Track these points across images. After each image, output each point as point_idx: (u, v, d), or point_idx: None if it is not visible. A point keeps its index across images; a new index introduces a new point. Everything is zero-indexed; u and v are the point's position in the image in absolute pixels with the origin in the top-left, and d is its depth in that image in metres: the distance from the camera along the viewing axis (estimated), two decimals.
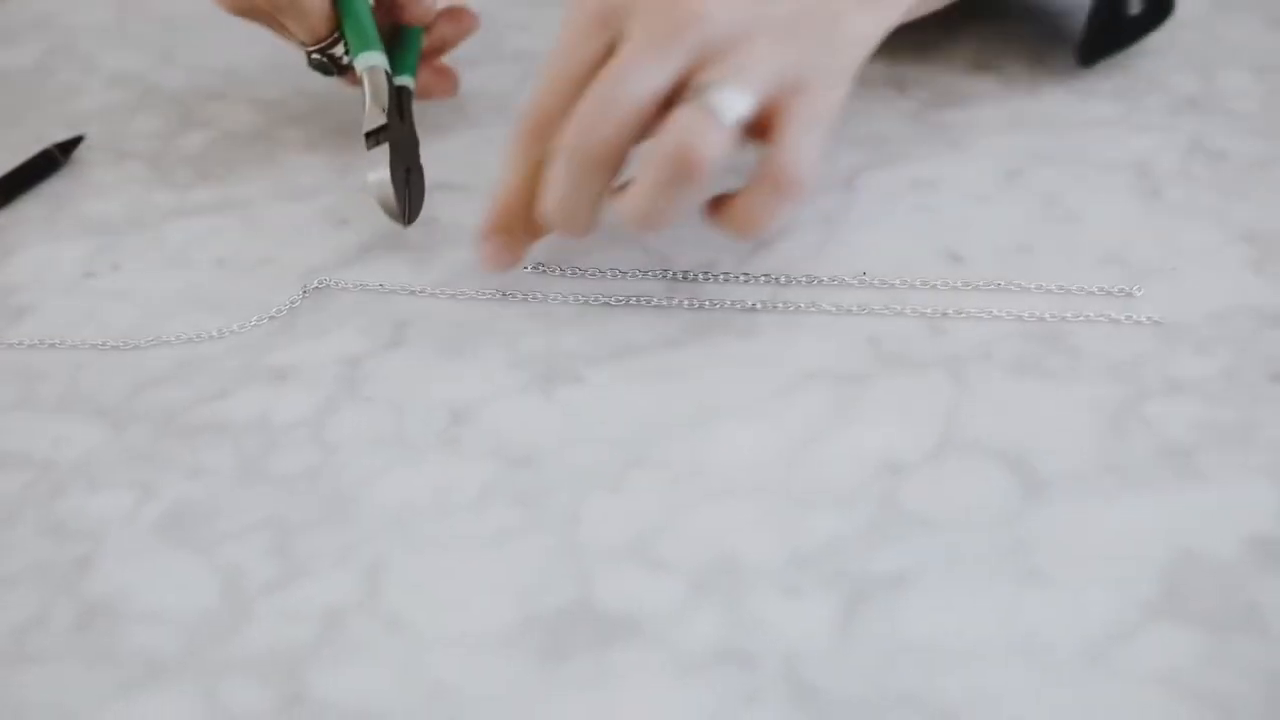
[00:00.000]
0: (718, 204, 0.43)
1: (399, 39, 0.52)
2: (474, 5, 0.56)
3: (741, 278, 0.46)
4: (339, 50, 0.50)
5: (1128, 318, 0.44)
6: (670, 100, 0.41)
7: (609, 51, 0.41)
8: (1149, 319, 0.44)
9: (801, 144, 0.41)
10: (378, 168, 0.46)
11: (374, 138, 0.47)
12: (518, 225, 0.44)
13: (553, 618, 0.36)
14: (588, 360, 0.43)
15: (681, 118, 0.40)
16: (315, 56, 0.50)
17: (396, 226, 0.48)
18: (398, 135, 0.47)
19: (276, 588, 0.37)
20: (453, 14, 0.55)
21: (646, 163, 0.40)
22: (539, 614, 0.36)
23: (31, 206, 0.52)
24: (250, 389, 0.43)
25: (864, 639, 0.35)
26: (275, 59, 0.58)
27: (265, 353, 0.44)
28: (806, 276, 0.46)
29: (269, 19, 0.49)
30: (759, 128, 0.41)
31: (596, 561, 0.37)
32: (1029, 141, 0.52)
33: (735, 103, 0.40)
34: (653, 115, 0.41)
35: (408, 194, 0.47)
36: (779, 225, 0.42)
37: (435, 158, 0.52)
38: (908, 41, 0.57)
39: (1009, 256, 0.47)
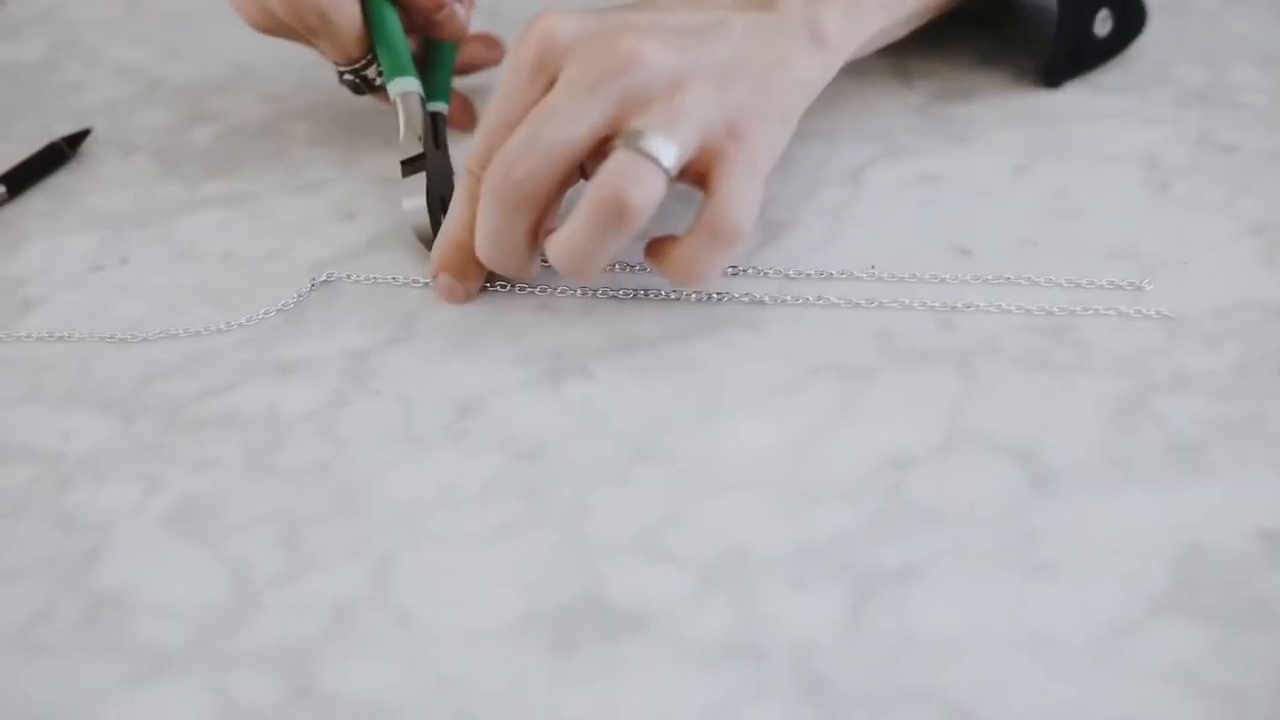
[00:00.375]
0: (657, 247, 0.42)
1: (431, 58, 0.51)
2: (483, 1, 0.56)
3: (749, 271, 0.46)
4: (371, 72, 0.49)
5: (1136, 312, 0.44)
6: (602, 144, 0.41)
7: (546, 92, 0.41)
8: (1157, 313, 0.44)
9: (738, 193, 0.41)
10: (413, 196, 0.46)
11: (409, 166, 0.47)
12: (466, 262, 0.44)
13: (560, 612, 0.36)
14: (595, 354, 0.43)
15: (615, 163, 0.39)
16: (348, 77, 0.50)
17: (404, 220, 0.48)
18: (433, 163, 0.47)
19: (284, 581, 0.37)
20: (486, 40, 0.54)
21: (580, 207, 0.40)
22: (546, 608, 0.36)
23: (39, 200, 0.52)
24: (258, 382, 0.43)
25: (872, 632, 0.35)
26: (282, 53, 0.58)
27: (273, 346, 0.44)
28: (814, 270, 0.46)
29: (300, 38, 0.49)
30: (695, 173, 0.41)
31: (604, 555, 0.37)
32: (1037, 135, 0.52)
33: (670, 149, 0.40)
34: (580, 158, 0.41)
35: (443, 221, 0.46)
36: (718, 273, 0.42)
37: None
38: (914, 36, 0.57)
39: (1017, 250, 0.47)
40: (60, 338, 0.45)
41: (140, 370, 0.44)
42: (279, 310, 0.46)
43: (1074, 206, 0.49)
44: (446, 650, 0.35)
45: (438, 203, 0.47)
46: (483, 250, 0.43)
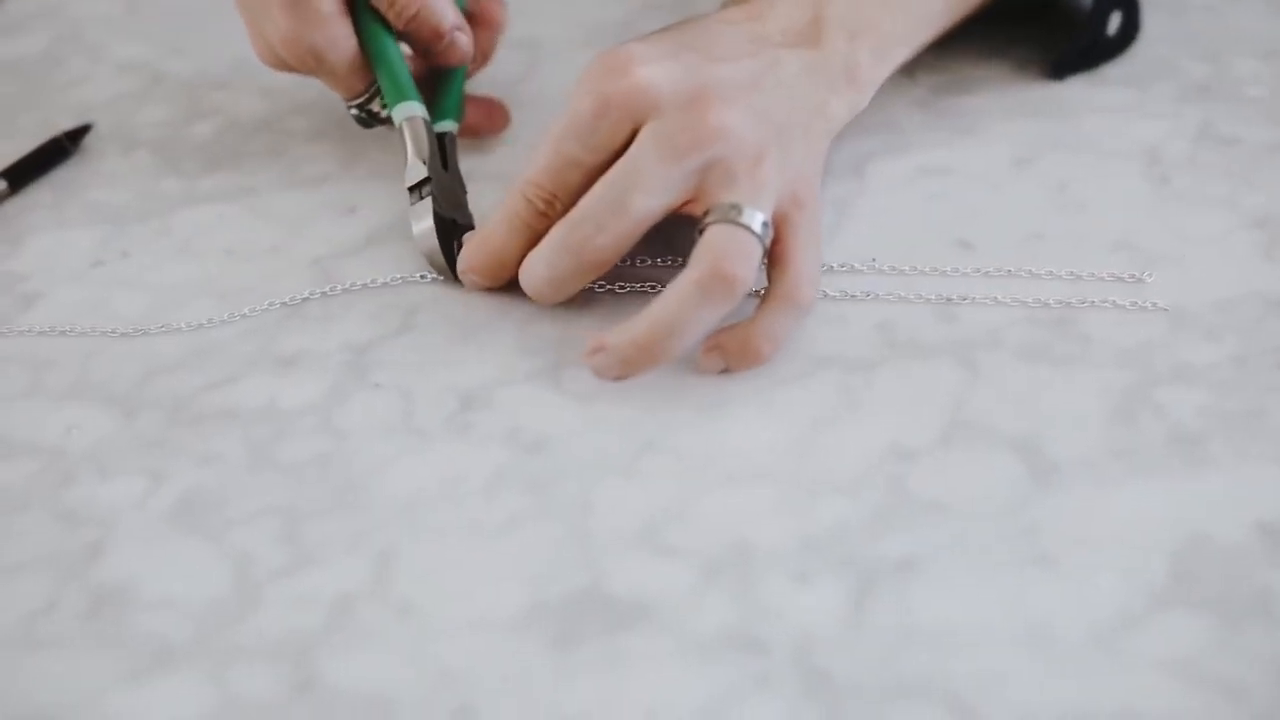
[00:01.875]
0: (719, 338, 0.41)
1: (440, 81, 0.50)
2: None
3: None
4: (376, 105, 0.49)
5: (1135, 304, 0.44)
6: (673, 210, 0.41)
7: (627, 142, 0.41)
8: (1156, 305, 0.44)
9: (809, 262, 0.42)
10: (421, 220, 0.46)
11: (417, 191, 0.46)
12: (499, 274, 0.44)
13: (563, 604, 0.36)
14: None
15: (717, 238, 0.40)
16: (354, 111, 0.49)
17: (406, 214, 0.48)
18: (440, 186, 0.47)
19: (286, 574, 0.37)
20: (489, 106, 0.53)
21: (681, 281, 0.40)
22: (549, 600, 0.36)
23: (40, 195, 0.52)
24: (259, 376, 0.43)
25: (873, 624, 0.35)
26: None
27: (274, 340, 0.44)
28: None
29: (311, 73, 0.49)
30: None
31: (607, 548, 0.37)
32: (1039, 128, 0.52)
33: (761, 220, 0.40)
34: (660, 219, 0.42)
35: (455, 245, 0.46)
36: (786, 344, 0.42)
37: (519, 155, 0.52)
38: None
39: (1019, 243, 0.47)
40: (62, 332, 0.45)
41: (142, 365, 0.44)
42: (280, 304, 0.46)
43: (1076, 200, 0.48)
44: (449, 643, 0.35)
45: (449, 226, 0.46)
46: (537, 287, 0.43)
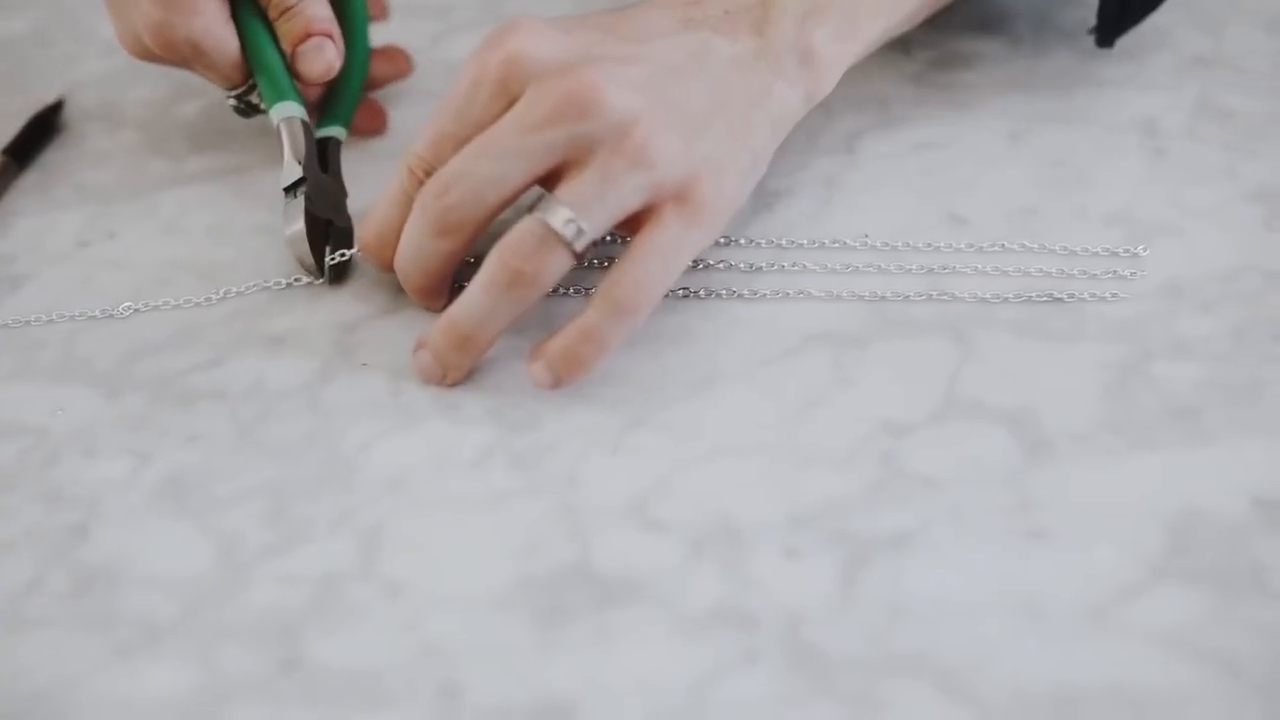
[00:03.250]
0: (543, 347, 0.39)
1: (336, 83, 0.49)
2: None
3: (742, 241, 0.46)
4: (255, 96, 0.47)
5: (1131, 276, 0.44)
6: (551, 174, 0.39)
7: (503, 113, 0.39)
8: (1153, 279, 0.43)
9: (650, 267, 0.39)
10: (293, 222, 0.45)
11: (291, 191, 0.45)
12: (384, 248, 0.42)
13: (550, 580, 0.36)
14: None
15: (521, 232, 0.39)
16: (231, 101, 0.48)
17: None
18: (316, 188, 0.45)
19: (273, 553, 0.37)
20: (389, 54, 0.52)
21: (483, 266, 0.39)
22: (537, 576, 0.36)
23: (26, 175, 0.51)
24: (246, 355, 0.43)
25: (865, 599, 0.35)
26: None
27: (261, 319, 0.44)
28: (808, 239, 0.46)
29: (180, 65, 0.47)
30: (630, 225, 0.40)
31: (595, 524, 0.37)
32: (1034, 102, 0.51)
33: (582, 233, 0.38)
34: (513, 197, 0.40)
35: (327, 248, 0.45)
36: (611, 353, 0.39)
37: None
38: None
39: (1013, 218, 0.46)
40: (48, 313, 0.45)
41: (128, 345, 0.44)
42: (268, 285, 0.45)
43: (1071, 174, 0.48)
44: (436, 620, 0.35)
45: (322, 228, 0.45)
46: (401, 261, 0.42)
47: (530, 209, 0.39)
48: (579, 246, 0.39)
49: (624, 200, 0.39)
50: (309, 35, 0.46)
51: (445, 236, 0.40)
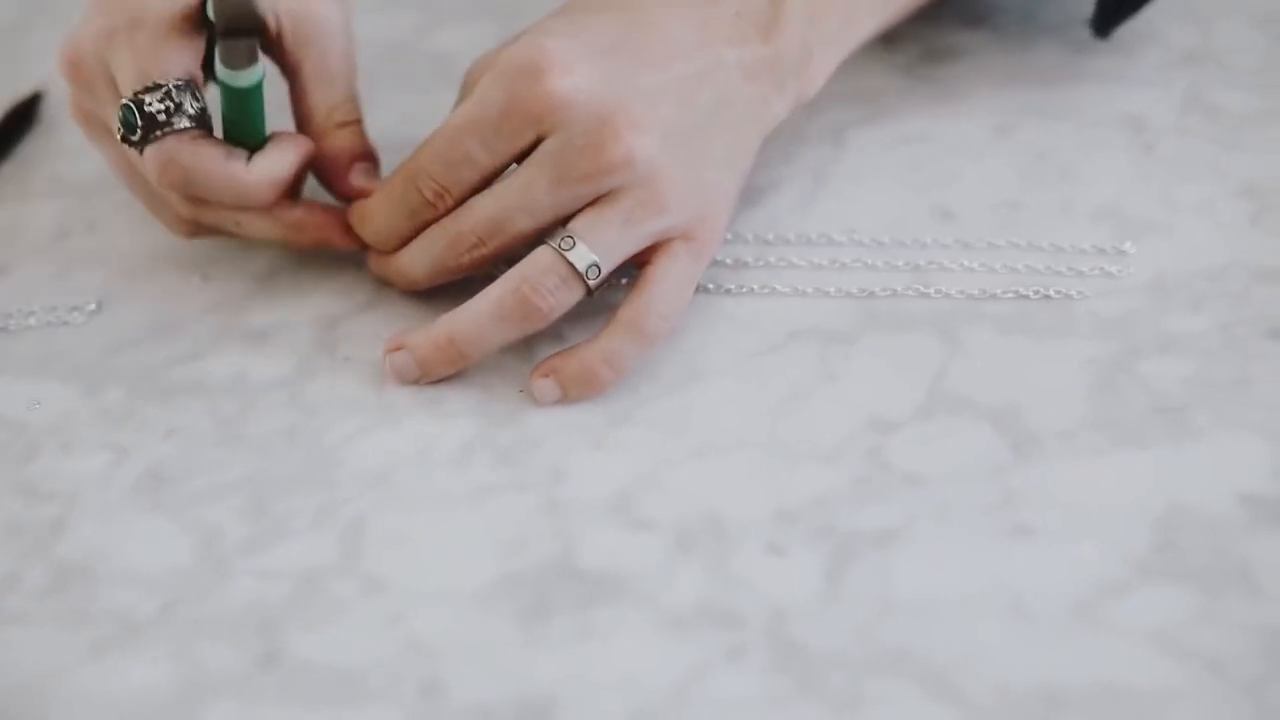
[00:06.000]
0: (555, 362, 0.40)
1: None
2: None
3: (728, 236, 0.45)
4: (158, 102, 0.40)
5: (1120, 271, 0.43)
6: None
7: (528, 147, 0.40)
8: (1140, 275, 0.43)
9: (669, 296, 0.40)
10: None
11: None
12: (381, 247, 0.42)
13: (535, 576, 0.35)
14: (571, 318, 0.42)
15: (537, 264, 0.39)
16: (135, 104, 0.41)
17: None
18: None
19: (253, 548, 0.36)
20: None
21: (492, 290, 0.40)
22: (521, 572, 0.35)
23: (4, 167, 0.51)
24: (227, 349, 0.42)
25: (850, 597, 0.34)
26: None
27: (243, 313, 0.44)
28: (794, 234, 0.45)
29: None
30: (637, 260, 0.41)
31: (579, 520, 0.37)
32: (1021, 96, 0.51)
33: (597, 269, 0.39)
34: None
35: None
36: (627, 372, 0.40)
37: (418, 115, 0.51)
38: None
39: (1000, 212, 0.46)
40: (27, 305, 0.44)
41: (107, 338, 0.43)
42: (250, 277, 0.45)
43: (1058, 168, 0.48)
44: (418, 616, 0.35)
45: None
46: (414, 279, 0.42)
47: (548, 240, 0.40)
48: (594, 284, 0.40)
49: (640, 243, 0.40)
50: (360, 157, 0.44)
51: (474, 270, 0.41)
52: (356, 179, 0.43)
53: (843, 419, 0.39)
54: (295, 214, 0.43)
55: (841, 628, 0.34)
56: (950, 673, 0.33)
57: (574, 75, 0.39)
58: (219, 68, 0.40)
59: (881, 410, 0.39)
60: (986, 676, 0.33)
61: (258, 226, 0.43)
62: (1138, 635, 0.33)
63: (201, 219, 0.43)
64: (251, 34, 0.40)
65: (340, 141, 0.43)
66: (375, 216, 0.42)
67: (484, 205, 0.40)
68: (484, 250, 0.41)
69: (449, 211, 0.41)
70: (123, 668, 0.34)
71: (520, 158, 0.40)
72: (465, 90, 0.41)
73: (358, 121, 0.44)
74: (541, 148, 0.40)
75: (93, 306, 0.44)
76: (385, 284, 0.43)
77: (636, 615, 0.34)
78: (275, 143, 0.42)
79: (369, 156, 0.44)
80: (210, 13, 0.40)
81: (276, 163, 0.41)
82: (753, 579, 0.35)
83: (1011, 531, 0.36)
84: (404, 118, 0.51)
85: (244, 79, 0.40)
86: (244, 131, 0.42)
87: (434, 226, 0.41)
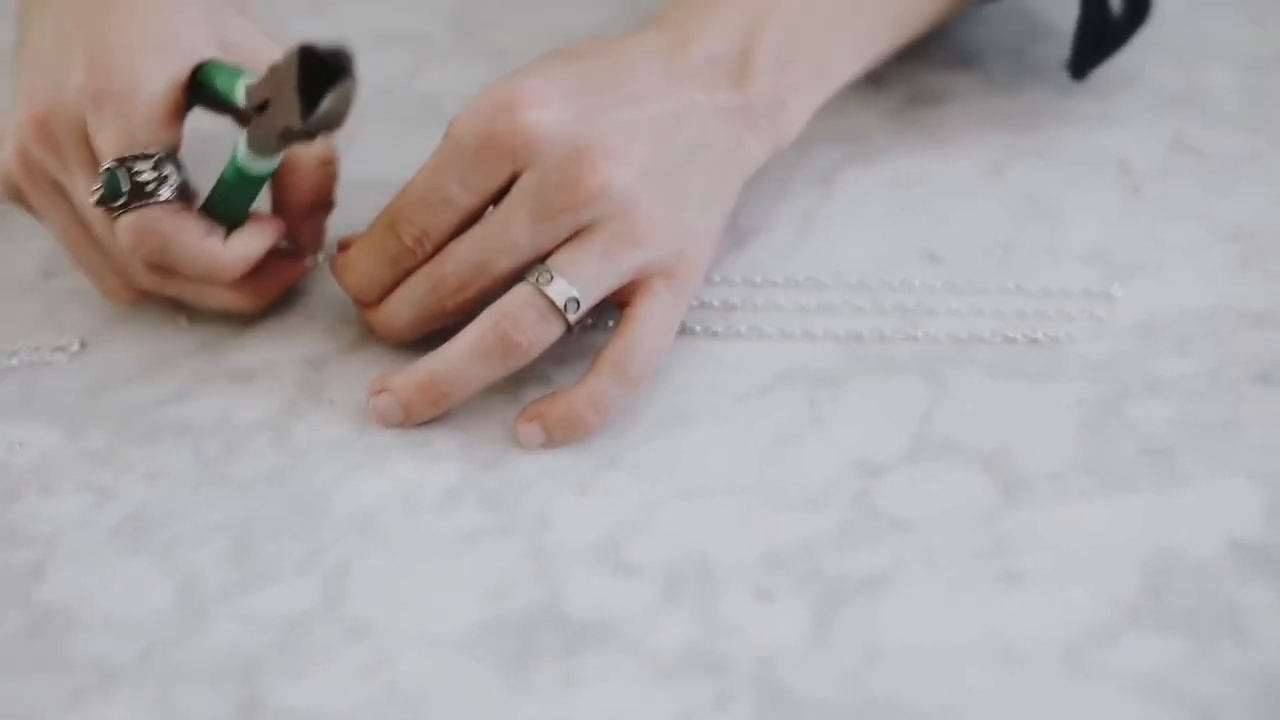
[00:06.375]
0: (540, 408, 0.40)
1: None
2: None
3: (716, 279, 0.45)
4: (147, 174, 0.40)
5: (1107, 315, 0.43)
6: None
7: (505, 183, 0.40)
8: (1127, 318, 0.43)
9: (652, 337, 0.40)
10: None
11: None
12: (360, 299, 0.42)
13: (520, 622, 0.35)
14: (556, 361, 0.42)
15: (515, 300, 0.39)
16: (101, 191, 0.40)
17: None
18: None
19: (235, 592, 0.36)
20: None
21: (469, 331, 0.39)
22: (506, 618, 0.35)
23: None
24: (212, 391, 0.42)
25: (837, 643, 0.34)
26: None
27: (227, 354, 0.43)
28: (782, 277, 0.45)
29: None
30: (617, 299, 0.41)
31: (565, 565, 0.36)
32: (1009, 139, 0.51)
33: (576, 304, 0.39)
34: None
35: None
36: (615, 417, 0.40)
37: (407, 155, 0.51)
38: None
39: (988, 254, 0.46)
40: (11, 345, 0.44)
41: (91, 378, 0.43)
42: (235, 318, 0.45)
43: (1046, 210, 0.48)
44: (402, 662, 0.34)
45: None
46: (398, 329, 0.41)
47: (527, 274, 0.39)
48: (572, 319, 0.40)
49: (620, 277, 0.40)
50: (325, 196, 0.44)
51: (458, 316, 0.41)
52: (314, 221, 0.44)
53: (830, 462, 0.39)
54: (257, 285, 0.43)
55: (829, 674, 0.33)
56: (939, 719, 0.32)
57: (549, 110, 0.40)
58: (241, 150, 0.40)
59: (869, 454, 0.39)
60: None
61: (218, 297, 0.43)
62: (1128, 682, 0.33)
63: (161, 289, 0.43)
64: (333, 129, 0.38)
65: (320, 179, 0.43)
66: (356, 267, 0.42)
67: (464, 248, 0.40)
68: (467, 294, 0.40)
69: (429, 258, 0.41)
70: (101, 716, 0.33)
71: (497, 199, 0.40)
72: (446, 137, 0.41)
73: (334, 161, 0.44)
74: (518, 185, 0.40)
75: (76, 347, 0.44)
76: (372, 336, 0.43)
77: (623, 662, 0.34)
78: (253, 223, 0.42)
79: (329, 204, 0.44)
80: (241, 99, 0.39)
81: (253, 242, 0.42)
82: (740, 624, 0.35)
83: (1000, 576, 0.36)
84: (392, 157, 0.51)
85: (265, 166, 0.41)
86: (232, 209, 0.42)
87: (415, 275, 0.41)
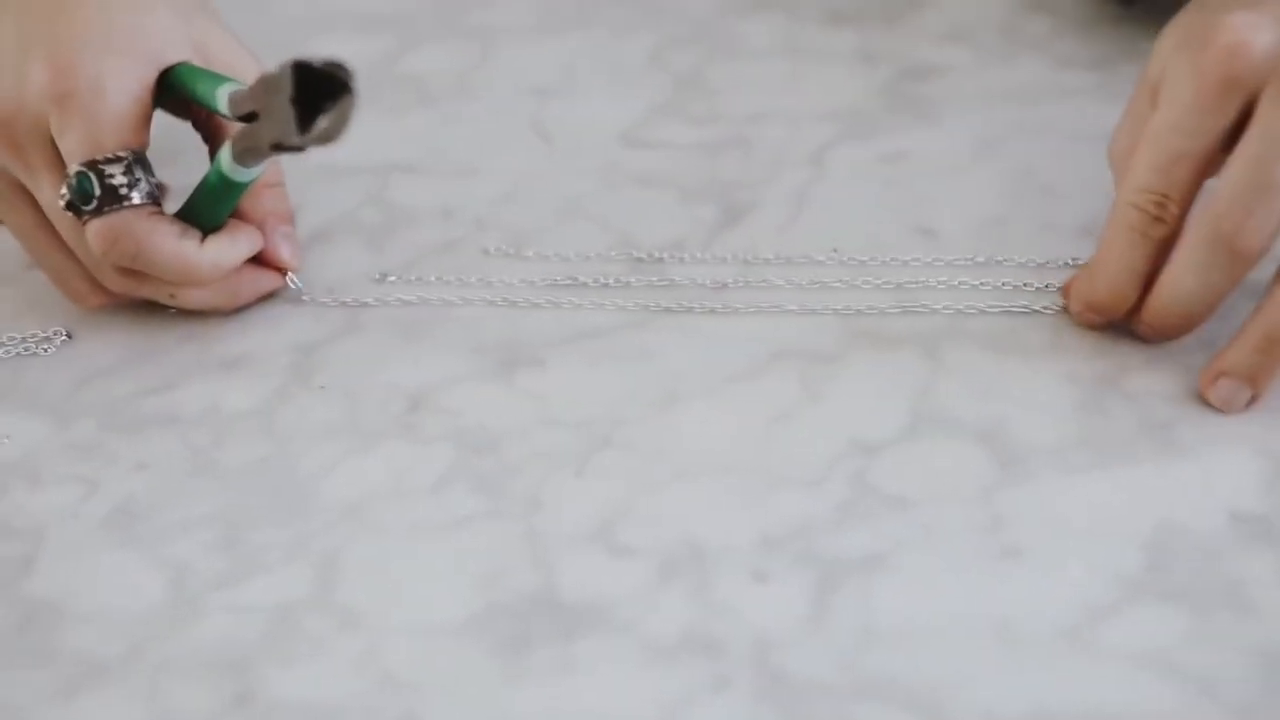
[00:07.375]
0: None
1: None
2: None
3: (709, 257, 0.45)
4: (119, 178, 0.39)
5: None
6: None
7: (1241, 120, 0.37)
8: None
9: None
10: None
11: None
12: (1121, 301, 0.40)
13: (515, 606, 0.35)
14: (549, 343, 0.42)
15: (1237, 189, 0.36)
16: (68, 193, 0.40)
17: (354, 214, 0.46)
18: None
19: (226, 583, 0.36)
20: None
21: (1187, 243, 0.37)
22: (500, 602, 0.35)
23: None
24: (200, 379, 0.42)
25: (835, 623, 0.34)
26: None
27: (215, 342, 0.43)
28: (775, 254, 0.45)
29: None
30: None
31: (559, 549, 0.36)
32: (1002, 113, 0.51)
33: None
34: None
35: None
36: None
37: (392, 138, 0.51)
38: (877, 12, 0.56)
39: (983, 230, 0.46)
40: None
41: (78, 369, 0.42)
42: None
43: (1040, 185, 0.47)
44: (395, 650, 0.34)
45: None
46: (1185, 303, 0.38)
47: None
48: None
49: None
50: (282, 220, 0.43)
51: (1248, 264, 0.38)
52: (276, 241, 0.43)
53: (826, 441, 0.38)
54: (231, 283, 0.42)
55: (827, 655, 0.33)
56: (938, 699, 0.32)
57: (1255, 27, 0.36)
58: (225, 158, 0.40)
59: (865, 431, 0.39)
60: (975, 702, 0.32)
61: (193, 297, 0.42)
62: (1128, 657, 0.33)
63: (131, 292, 0.42)
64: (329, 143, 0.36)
65: (267, 204, 0.43)
66: (1108, 261, 0.39)
67: (1234, 172, 0.36)
68: (1254, 221, 0.36)
69: (1178, 223, 0.38)
70: (92, 709, 0.33)
71: (1229, 137, 0.37)
72: (1114, 168, 0.40)
73: (281, 185, 0.43)
74: (1265, 102, 0.36)
75: (63, 337, 0.44)
76: (1153, 340, 0.40)
77: (618, 646, 0.34)
78: (230, 231, 0.41)
79: (289, 220, 0.43)
80: (224, 106, 0.39)
81: (230, 250, 0.41)
82: (736, 607, 0.34)
83: (999, 553, 0.35)
84: (378, 141, 0.50)
85: (248, 174, 0.40)
86: (210, 215, 0.41)
87: (1188, 230, 0.38)
